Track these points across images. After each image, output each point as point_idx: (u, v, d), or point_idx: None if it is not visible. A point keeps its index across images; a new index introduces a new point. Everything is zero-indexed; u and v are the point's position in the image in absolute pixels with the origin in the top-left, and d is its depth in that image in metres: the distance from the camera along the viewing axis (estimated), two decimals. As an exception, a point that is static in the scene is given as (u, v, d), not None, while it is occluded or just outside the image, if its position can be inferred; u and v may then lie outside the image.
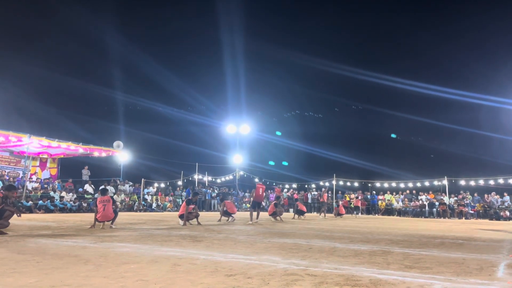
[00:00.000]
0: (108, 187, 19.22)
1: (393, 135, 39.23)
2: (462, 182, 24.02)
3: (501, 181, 21.77)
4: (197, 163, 27.60)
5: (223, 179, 29.83)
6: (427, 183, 25.39)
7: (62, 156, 24.50)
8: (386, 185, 26.82)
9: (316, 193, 27.78)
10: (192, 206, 10.90)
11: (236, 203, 21.72)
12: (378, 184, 27.25)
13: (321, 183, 29.20)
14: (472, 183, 23.44)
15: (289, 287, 3.11)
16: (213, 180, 29.36)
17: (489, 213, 21.58)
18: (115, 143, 23.46)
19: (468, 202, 23.06)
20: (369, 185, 28.27)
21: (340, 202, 22.62)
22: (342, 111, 40.67)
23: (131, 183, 24.14)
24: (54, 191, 19.44)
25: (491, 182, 22.36)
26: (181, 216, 10.78)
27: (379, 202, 26.23)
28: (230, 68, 36.26)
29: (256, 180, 30.31)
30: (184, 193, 25.37)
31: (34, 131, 19.08)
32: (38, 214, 15.99)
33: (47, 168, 24.67)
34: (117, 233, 7.66)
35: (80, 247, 5.37)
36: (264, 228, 10.16)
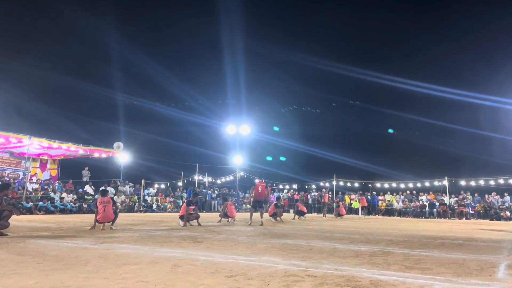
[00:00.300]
0: (108, 188, 19.19)
1: (390, 130, 39.23)
2: (463, 183, 24.03)
3: (501, 181, 21.77)
4: (197, 164, 27.61)
5: (223, 180, 29.83)
6: (427, 184, 25.40)
7: (62, 157, 24.50)
8: (386, 185, 26.82)
9: (316, 193, 27.78)
10: (193, 207, 10.90)
11: (236, 204, 21.71)
12: (378, 185, 27.26)
13: (321, 183, 29.20)
14: (473, 183, 23.44)
15: (289, 288, 3.11)
16: (213, 181, 29.35)
17: (490, 213, 21.57)
18: (115, 144, 23.47)
19: (468, 202, 23.05)
20: (369, 185, 28.27)
21: (340, 203, 22.63)
22: (343, 111, 40.69)
23: (131, 184, 24.14)
24: (55, 192, 19.45)
25: (492, 182, 22.36)
26: (181, 217, 10.78)
27: (380, 203, 26.23)
28: (230, 68, 36.29)
29: (257, 180, 30.37)
30: (184, 194, 25.38)
31: (35, 132, 19.10)
32: (38, 215, 15.99)
33: (47, 169, 24.67)
34: (117, 234, 7.66)
35: (80, 248, 5.37)
36: (264, 229, 10.15)
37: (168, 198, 25.30)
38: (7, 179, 20.18)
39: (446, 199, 23.05)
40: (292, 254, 5.10)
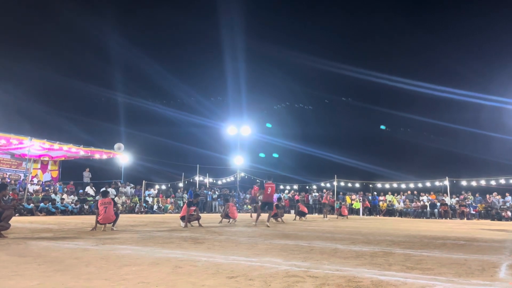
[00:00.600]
0: (109, 189, 19.20)
1: (382, 127, 39.12)
2: (464, 183, 24.01)
3: (502, 181, 21.75)
4: (198, 165, 27.62)
5: (224, 180, 29.83)
6: (428, 184, 25.37)
7: (63, 158, 24.53)
8: (387, 186, 26.81)
9: (317, 194, 27.77)
10: (193, 208, 10.91)
11: (237, 205, 21.73)
12: (379, 185, 27.24)
13: (322, 184, 29.18)
14: (474, 183, 23.42)
15: (290, 289, 3.11)
16: (214, 181, 29.36)
17: (491, 213, 21.54)
18: (116, 145, 23.49)
19: (469, 202, 23.02)
20: (370, 186, 28.25)
21: (343, 204, 22.63)
22: (344, 111, 40.64)
23: (132, 185, 24.15)
24: (56, 194, 19.46)
25: (493, 182, 22.33)
26: (182, 218, 10.78)
27: (381, 203, 26.21)
28: (230, 68, 36.25)
29: (258, 180, 30.35)
30: (185, 195, 25.39)
31: (36, 134, 19.13)
32: (39, 216, 16.01)
33: (48, 170, 24.70)
34: (118, 235, 7.66)
35: (81, 249, 5.37)
36: (265, 229, 10.15)
37: (169, 199, 25.31)
38: (8, 180, 20.21)
39: (447, 199, 23.02)
40: (293, 254, 5.10)
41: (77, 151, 21.02)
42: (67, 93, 33.91)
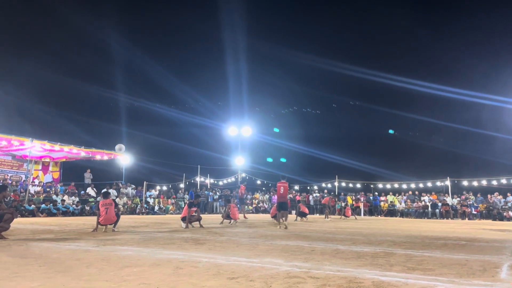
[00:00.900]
0: (110, 190, 19.22)
1: (391, 131, 39.18)
2: (465, 183, 23.97)
3: (504, 181, 21.70)
4: (199, 166, 27.61)
5: (225, 181, 29.83)
6: (429, 184, 25.33)
7: (64, 159, 24.55)
8: (388, 186, 26.77)
9: (318, 195, 27.76)
10: (194, 209, 10.91)
11: (238, 206, 21.71)
12: (380, 185, 27.20)
13: (323, 184, 29.16)
14: (475, 183, 23.37)
15: (291, 290, 3.11)
16: (215, 182, 29.36)
17: (492, 213, 21.49)
18: (117, 146, 23.51)
19: (471, 202, 22.98)
20: (372, 186, 28.22)
21: (343, 204, 22.59)
22: (344, 111, 40.64)
23: (133, 186, 24.16)
24: (57, 195, 19.48)
25: (494, 182, 22.29)
26: (183, 219, 10.78)
27: (382, 203, 26.18)
28: (231, 69, 36.25)
29: (256, 181, 30.37)
30: (186, 196, 25.40)
31: (37, 135, 19.15)
32: (40, 217, 16.03)
33: (50, 171, 24.72)
34: (119, 236, 7.66)
35: (82, 250, 5.37)
36: (266, 230, 10.15)
37: (170, 200, 25.32)
38: (10, 181, 20.24)
39: (449, 200, 22.99)
40: (294, 255, 5.10)
41: (78, 152, 21.03)
42: (68, 94, 33.96)
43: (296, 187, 30.19)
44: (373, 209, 26.11)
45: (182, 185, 27.49)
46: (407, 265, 4.40)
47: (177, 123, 37.64)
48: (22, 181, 21.65)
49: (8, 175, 21.77)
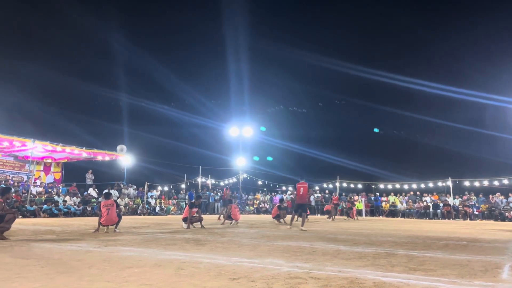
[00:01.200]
0: (112, 191, 19.26)
1: (375, 130, 38.96)
2: (467, 183, 23.91)
3: (506, 181, 21.66)
4: (200, 166, 27.63)
5: (226, 182, 29.82)
6: (431, 184, 25.29)
7: (66, 160, 24.60)
8: (390, 186, 26.73)
9: (319, 195, 27.74)
10: (196, 210, 10.92)
11: (239, 206, 21.72)
12: (382, 186, 27.17)
13: (325, 185, 29.14)
14: (477, 183, 23.33)
15: (292, 291, 3.11)
16: (217, 183, 29.37)
17: (494, 214, 21.45)
18: (118, 147, 23.54)
19: (472, 203, 22.94)
20: (373, 186, 28.18)
21: (344, 204, 22.56)
22: (344, 111, 40.55)
23: (134, 187, 24.19)
24: (58, 196, 19.52)
25: (496, 182, 22.25)
26: (184, 220, 10.79)
27: (383, 204, 26.14)
28: (232, 69, 36.21)
29: (260, 182, 30.36)
30: (187, 196, 25.41)
31: (38, 136, 19.18)
32: (42, 218, 16.06)
33: (51, 172, 24.78)
34: (121, 237, 7.68)
35: (84, 251, 5.38)
36: (268, 231, 10.15)
37: (171, 201, 25.34)
38: (11, 182, 20.29)
39: (450, 200, 22.95)
40: (296, 256, 5.10)
41: (79, 153, 21.08)
42: (70, 95, 34.01)
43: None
44: (374, 210, 26.08)
45: (183, 186, 27.51)
46: (409, 265, 4.40)
47: (178, 123, 37.63)
48: (24, 181, 21.70)
49: (10, 176, 21.83)
